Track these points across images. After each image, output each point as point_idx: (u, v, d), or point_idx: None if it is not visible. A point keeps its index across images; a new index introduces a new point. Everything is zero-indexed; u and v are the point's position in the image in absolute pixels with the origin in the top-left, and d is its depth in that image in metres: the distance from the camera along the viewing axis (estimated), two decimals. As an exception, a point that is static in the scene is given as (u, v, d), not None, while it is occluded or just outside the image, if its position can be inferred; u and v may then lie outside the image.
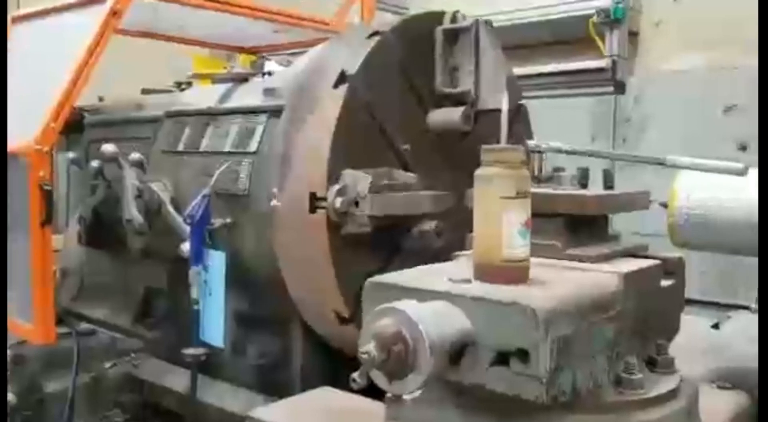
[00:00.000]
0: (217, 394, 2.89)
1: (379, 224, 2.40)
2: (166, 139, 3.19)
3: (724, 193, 2.19)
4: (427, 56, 2.70)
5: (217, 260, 2.65)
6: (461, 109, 2.63)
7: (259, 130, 2.79)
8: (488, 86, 2.66)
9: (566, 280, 1.56)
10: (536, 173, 2.23)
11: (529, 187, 1.54)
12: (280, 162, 2.49)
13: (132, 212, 3.05)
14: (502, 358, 1.40)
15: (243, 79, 3.16)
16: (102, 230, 3.44)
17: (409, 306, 1.37)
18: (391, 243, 2.61)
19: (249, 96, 2.96)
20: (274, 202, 2.47)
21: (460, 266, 1.72)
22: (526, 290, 1.46)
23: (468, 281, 1.52)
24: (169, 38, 4.35)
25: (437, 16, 2.75)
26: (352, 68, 2.48)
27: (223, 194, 2.78)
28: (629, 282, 1.65)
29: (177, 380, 3.07)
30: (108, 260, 3.45)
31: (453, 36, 2.65)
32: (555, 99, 4.76)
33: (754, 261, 2.09)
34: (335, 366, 2.75)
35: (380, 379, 1.39)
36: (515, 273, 1.53)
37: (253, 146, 2.78)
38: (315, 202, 2.39)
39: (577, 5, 4.55)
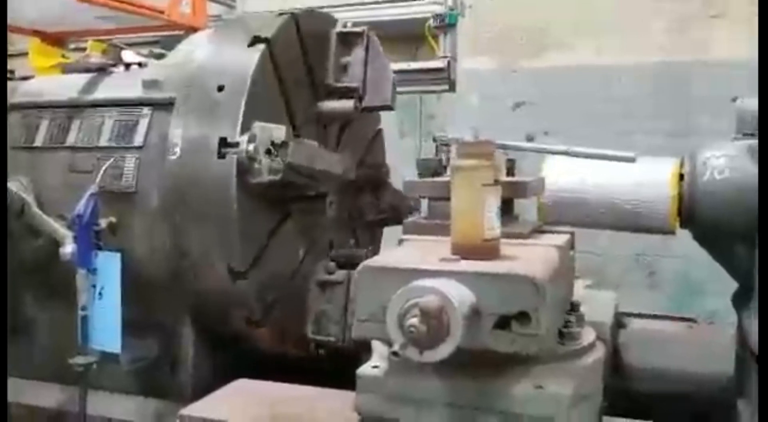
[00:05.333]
0: (101, 404, 2.72)
1: (290, 179, 2.46)
2: (14, 134, 2.88)
3: (587, 176, 2.63)
4: (318, 49, 2.83)
5: (111, 261, 2.51)
6: (352, 100, 2.81)
7: (143, 123, 2.67)
8: (372, 87, 2.87)
9: (528, 254, 1.84)
10: (444, 163, 2.50)
11: (501, 176, 1.79)
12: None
13: (-20, 215, 2.72)
14: (502, 322, 1.63)
15: (101, 68, 2.97)
16: None
17: (435, 284, 1.54)
18: (283, 206, 2.70)
19: (122, 88, 2.81)
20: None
21: (425, 248, 1.91)
22: (516, 264, 1.70)
23: (456, 260, 1.72)
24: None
25: (328, 17, 2.91)
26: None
27: (105, 192, 2.62)
28: (562, 253, 1.98)
29: (44, 396, 2.82)
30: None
31: (346, 38, 2.83)
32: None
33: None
34: (223, 363, 2.77)
35: (410, 351, 1.54)
36: (492, 250, 1.77)
37: (138, 140, 2.66)
38: (224, 147, 2.40)
39: (416, 8, 4.95)
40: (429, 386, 1.80)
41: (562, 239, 2.10)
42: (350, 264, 2.68)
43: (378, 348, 1.96)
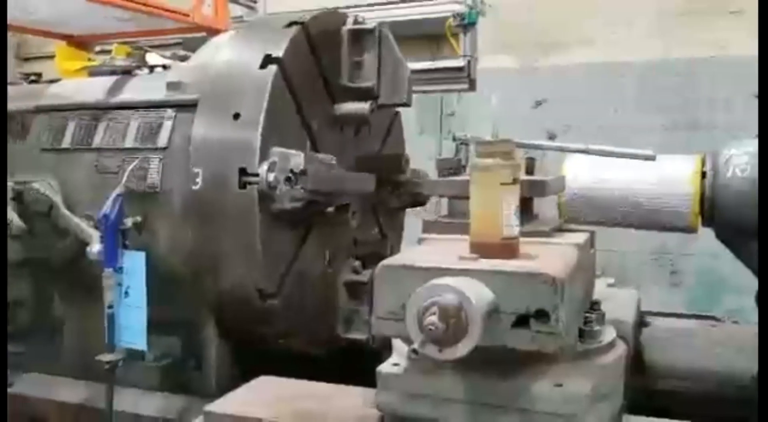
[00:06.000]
0: (128, 401, 2.77)
1: (311, 199, 2.48)
2: (41, 136, 2.95)
3: (606, 174, 2.63)
4: (332, 52, 2.84)
5: (137, 260, 2.55)
6: (368, 102, 2.81)
7: (168, 125, 2.71)
8: (387, 84, 2.87)
9: (548, 253, 1.84)
10: (463, 163, 2.52)
11: (520, 174, 1.80)
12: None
13: (10, 215, 2.79)
14: (521, 320, 1.64)
15: (126, 71, 3.02)
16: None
17: (454, 282, 1.56)
18: (306, 221, 2.71)
19: (146, 90, 2.85)
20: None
21: (444, 247, 1.92)
22: (535, 262, 1.71)
23: (475, 258, 1.74)
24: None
25: (340, 16, 2.91)
26: (276, 53, 2.55)
27: (130, 192, 2.67)
28: (582, 251, 1.99)
29: (70, 392, 2.88)
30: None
31: (358, 36, 2.81)
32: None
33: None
34: (246, 360, 2.80)
35: (430, 349, 1.56)
36: (512, 248, 1.78)
37: (162, 141, 2.70)
38: (244, 176, 2.40)
39: (436, 8, 4.97)
40: (448, 384, 1.82)
41: (582, 237, 2.10)
42: (376, 260, 2.70)
43: (398, 346, 1.98)
